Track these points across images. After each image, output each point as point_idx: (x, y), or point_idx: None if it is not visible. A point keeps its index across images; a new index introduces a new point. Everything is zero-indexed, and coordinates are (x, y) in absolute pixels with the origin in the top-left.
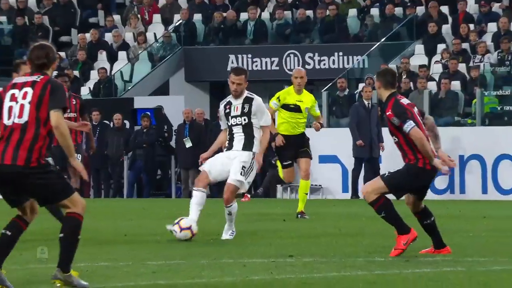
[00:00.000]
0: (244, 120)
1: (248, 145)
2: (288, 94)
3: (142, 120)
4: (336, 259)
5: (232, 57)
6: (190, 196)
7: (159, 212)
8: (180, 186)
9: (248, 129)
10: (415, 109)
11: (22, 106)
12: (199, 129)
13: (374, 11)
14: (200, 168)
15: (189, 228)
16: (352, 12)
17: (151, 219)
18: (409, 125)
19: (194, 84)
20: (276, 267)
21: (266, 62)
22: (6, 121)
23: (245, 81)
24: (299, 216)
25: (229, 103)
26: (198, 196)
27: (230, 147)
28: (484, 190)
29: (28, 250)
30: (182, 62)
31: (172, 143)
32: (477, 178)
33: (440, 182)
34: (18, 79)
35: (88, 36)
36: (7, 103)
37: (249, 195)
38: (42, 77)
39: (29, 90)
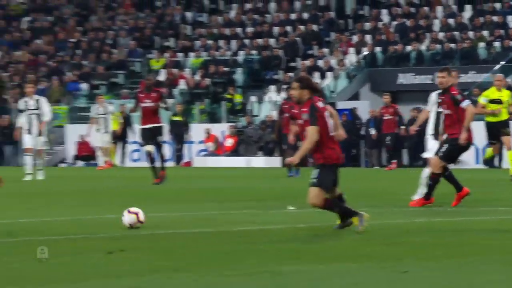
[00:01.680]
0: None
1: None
2: (491, 93)
3: (342, 117)
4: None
5: (401, 75)
6: (373, 166)
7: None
8: (367, 160)
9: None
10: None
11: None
12: (380, 122)
13: (497, 44)
14: (427, 157)
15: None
16: (481, 44)
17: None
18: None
19: (375, 93)
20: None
21: (423, 78)
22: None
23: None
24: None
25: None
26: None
27: (437, 132)
28: None
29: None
30: (368, 78)
31: (362, 131)
32: None
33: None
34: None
35: (307, 62)
36: (328, 119)
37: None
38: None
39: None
